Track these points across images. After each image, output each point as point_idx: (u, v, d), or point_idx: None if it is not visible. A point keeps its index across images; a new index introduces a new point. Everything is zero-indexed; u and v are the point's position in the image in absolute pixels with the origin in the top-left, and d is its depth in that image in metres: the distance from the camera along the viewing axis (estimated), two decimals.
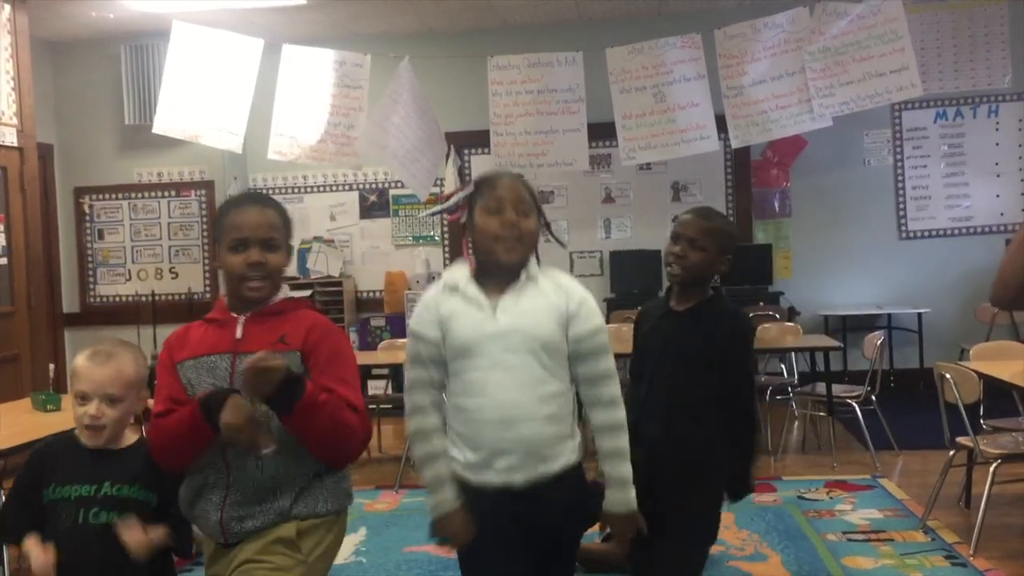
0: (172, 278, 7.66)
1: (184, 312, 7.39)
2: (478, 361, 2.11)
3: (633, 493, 2.16)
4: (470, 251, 2.19)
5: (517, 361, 2.10)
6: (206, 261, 7.62)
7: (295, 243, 2.41)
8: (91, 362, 2.09)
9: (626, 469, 2.15)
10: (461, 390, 2.13)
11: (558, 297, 2.16)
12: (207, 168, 7.57)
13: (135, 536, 2.00)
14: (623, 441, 2.16)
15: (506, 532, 2.13)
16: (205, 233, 7.63)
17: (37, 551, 2.00)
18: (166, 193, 7.67)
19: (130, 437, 2.15)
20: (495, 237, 2.12)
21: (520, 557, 2.16)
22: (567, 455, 2.16)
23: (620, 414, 2.16)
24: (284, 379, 1.91)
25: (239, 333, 2.06)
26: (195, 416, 1.95)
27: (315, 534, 2.05)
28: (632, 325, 3.01)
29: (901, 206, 7.43)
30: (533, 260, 2.19)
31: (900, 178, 7.43)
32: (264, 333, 2.05)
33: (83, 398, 2.07)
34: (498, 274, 2.16)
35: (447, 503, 2.10)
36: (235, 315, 2.10)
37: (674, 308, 2.73)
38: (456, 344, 2.12)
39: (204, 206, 7.62)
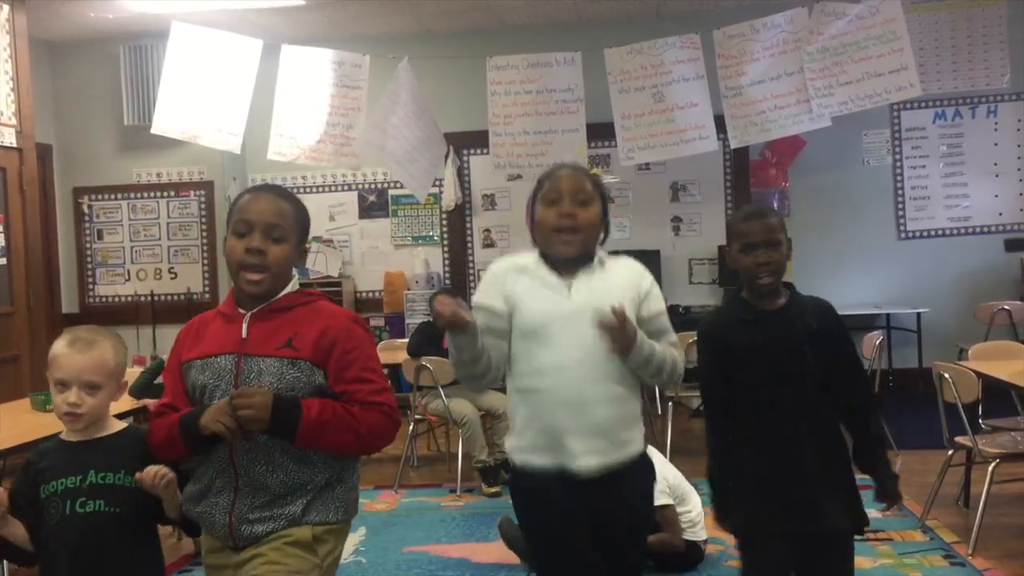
0: (171, 278, 7.66)
1: (183, 312, 7.39)
2: (551, 340, 2.08)
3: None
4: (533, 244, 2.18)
5: (590, 343, 2.07)
6: (205, 261, 7.62)
7: None
8: (70, 349, 2.04)
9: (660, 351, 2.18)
10: (530, 371, 2.11)
11: (631, 277, 2.18)
12: (206, 168, 7.57)
13: (152, 469, 1.97)
14: (669, 365, 2.18)
15: (578, 519, 2.09)
16: (204, 233, 7.63)
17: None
18: (165, 193, 7.67)
19: (113, 425, 2.12)
20: (552, 228, 2.12)
21: (590, 546, 2.11)
22: (637, 442, 2.17)
23: (679, 364, 2.22)
24: (274, 416, 1.87)
25: (244, 332, 2.01)
26: (172, 432, 1.97)
27: (329, 541, 2.02)
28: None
29: (900, 206, 7.44)
30: (600, 249, 2.19)
31: (899, 178, 7.44)
32: (270, 334, 1.99)
33: (62, 385, 2.03)
34: (564, 264, 2.15)
35: (470, 311, 2.06)
36: (241, 311, 2.04)
37: (767, 310, 2.42)
38: (527, 322, 2.10)
39: (203, 206, 7.63)
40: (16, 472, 2.17)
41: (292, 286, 2.07)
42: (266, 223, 1.99)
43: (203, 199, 7.63)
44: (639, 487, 2.18)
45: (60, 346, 2.06)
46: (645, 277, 2.20)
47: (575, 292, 2.11)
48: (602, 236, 2.22)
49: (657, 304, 2.19)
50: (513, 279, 2.14)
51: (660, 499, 3.60)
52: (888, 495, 2.41)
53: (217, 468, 1.99)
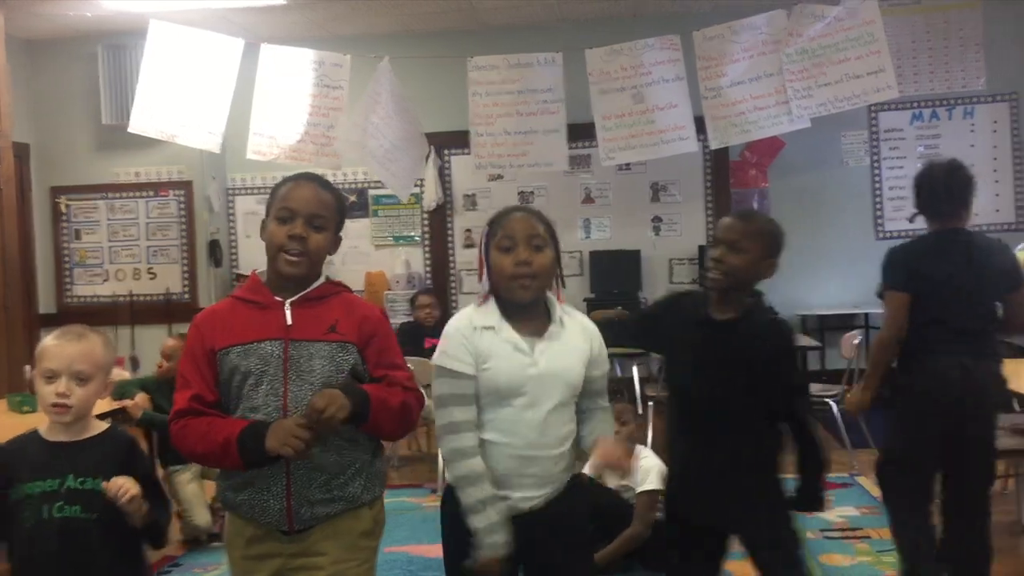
0: (150, 279, 7.60)
1: (162, 313, 7.36)
2: (514, 402, 2.15)
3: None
4: (487, 289, 2.21)
5: (550, 403, 2.17)
6: (185, 262, 7.57)
7: None
8: (60, 340, 2.03)
9: (609, 428, 2.34)
10: (490, 424, 2.17)
11: (584, 339, 2.25)
12: (185, 168, 7.52)
13: (119, 482, 1.94)
14: (610, 428, 2.33)
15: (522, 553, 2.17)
16: (184, 233, 7.59)
17: None
18: (144, 193, 7.62)
19: (96, 426, 2.09)
20: (509, 276, 2.15)
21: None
22: (571, 471, 2.28)
23: (611, 414, 2.36)
24: (352, 407, 1.93)
25: (289, 319, 2.02)
26: (228, 449, 1.94)
27: (380, 515, 2.15)
28: None
29: (878, 206, 7.50)
30: (555, 302, 2.23)
31: (877, 179, 7.50)
32: (313, 320, 2.04)
33: (50, 376, 2.00)
34: (522, 312, 2.19)
35: (500, 546, 2.09)
36: (278, 298, 2.06)
37: (713, 317, 2.46)
38: (495, 384, 2.15)
39: (183, 206, 7.58)
40: None
41: (322, 278, 2.13)
42: (309, 212, 2.04)
43: (182, 199, 7.58)
44: (570, 506, 2.24)
45: (49, 339, 2.06)
46: (596, 339, 2.28)
47: (539, 355, 2.16)
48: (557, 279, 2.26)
49: (604, 366, 2.31)
50: (479, 339, 2.16)
51: (652, 484, 3.75)
52: (802, 505, 2.49)
53: None
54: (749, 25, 6.14)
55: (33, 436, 2.08)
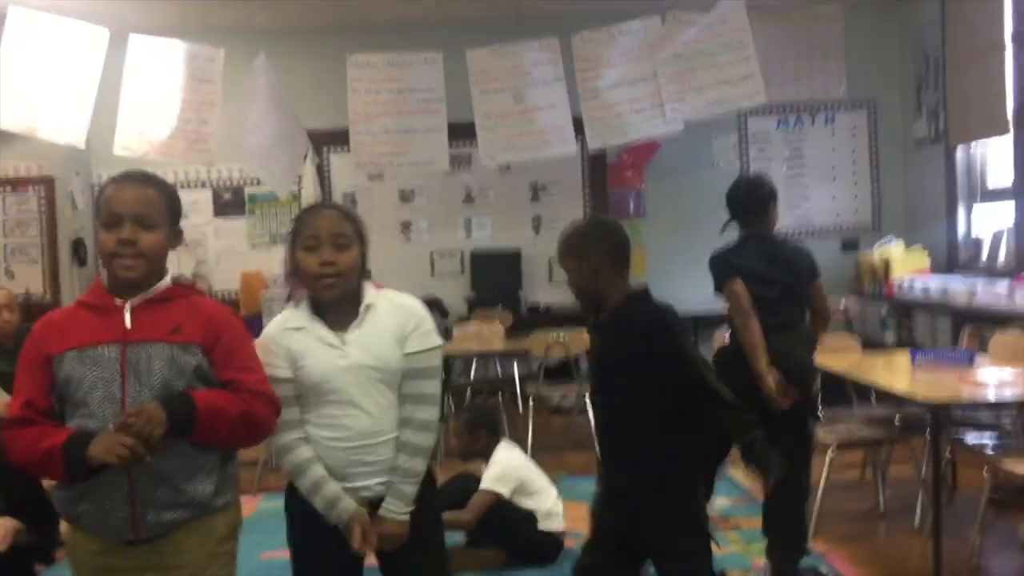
0: (8, 279, 7.20)
1: (22, 314, 6.96)
2: (333, 396, 2.16)
3: (406, 510, 2.21)
4: (298, 288, 2.22)
5: (370, 392, 2.17)
6: (46, 261, 7.20)
7: None
8: (122, 184, 2.03)
9: (410, 489, 2.21)
10: (316, 421, 2.19)
11: (397, 317, 2.22)
12: (46, 163, 7.15)
13: None
14: (420, 465, 2.22)
15: (344, 545, 2.19)
16: (45, 231, 7.21)
17: None
18: (1, 189, 7.21)
19: None
20: (314, 276, 2.17)
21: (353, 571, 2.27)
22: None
23: (428, 440, 2.23)
24: (169, 415, 1.85)
25: (128, 322, 1.94)
26: (52, 457, 1.85)
27: (237, 518, 2.11)
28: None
29: None
30: (368, 287, 2.23)
31: None
32: (155, 322, 1.96)
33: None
34: (334, 307, 2.20)
35: (350, 509, 2.17)
36: (118, 301, 1.98)
37: (600, 319, 2.58)
38: (310, 380, 2.16)
39: (43, 203, 7.20)
40: None
41: (167, 280, 2.04)
42: (134, 213, 1.96)
43: (43, 195, 7.20)
44: (419, 499, 2.25)
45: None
46: (413, 316, 2.25)
47: (349, 346, 2.18)
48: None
49: (423, 342, 2.23)
50: (291, 340, 2.19)
51: (485, 483, 3.91)
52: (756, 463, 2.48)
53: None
54: (626, 30, 6.26)
55: None
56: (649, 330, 2.44)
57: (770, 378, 3.35)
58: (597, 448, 2.65)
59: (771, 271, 3.54)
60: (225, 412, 1.93)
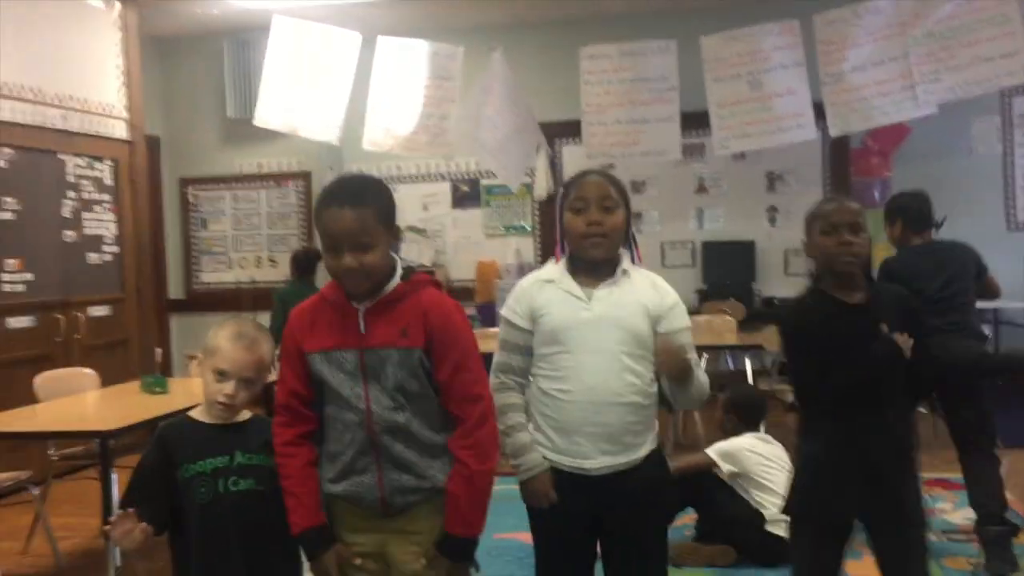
0: (271, 266, 7.89)
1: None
2: (569, 346, 2.22)
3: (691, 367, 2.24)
4: (562, 248, 2.32)
5: (607, 348, 2.21)
6: None
7: None
8: (236, 344, 2.13)
9: (698, 370, 2.27)
10: (550, 374, 2.26)
11: (653, 293, 2.28)
12: (304, 159, 7.76)
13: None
14: (705, 381, 2.30)
15: (579, 516, 2.24)
16: (302, 222, 7.83)
17: (125, 521, 2.01)
18: (265, 184, 7.90)
19: (244, 413, 2.21)
20: (581, 235, 2.25)
21: (588, 541, 2.28)
22: (647, 445, 2.27)
23: (707, 383, 2.30)
24: (452, 558, 2.05)
25: (362, 327, 2.05)
26: (291, 519, 2.07)
27: None
28: (721, 319, 2.96)
29: (1010, 196, 7.13)
30: (626, 256, 2.31)
31: (1010, 167, 7.13)
32: (386, 326, 2.04)
33: (222, 375, 2.12)
34: (592, 270, 2.28)
35: (535, 465, 2.24)
36: (354, 305, 2.07)
37: (848, 302, 2.41)
38: (548, 329, 2.25)
39: (302, 196, 7.82)
40: (125, 451, 2.25)
41: (396, 278, 2.08)
42: (351, 239, 1.99)
43: (301, 189, 7.82)
44: (647, 480, 2.25)
45: (225, 339, 2.14)
46: (668, 295, 2.30)
47: (595, 301, 2.24)
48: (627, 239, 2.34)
49: (677, 322, 2.28)
50: (538, 291, 2.30)
51: (709, 449, 3.92)
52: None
53: (357, 449, 2.05)
54: (873, 8, 5.91)
55: (187, 420, 2.21)
56: (904, 304, 2.45)
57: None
58: (809, 437, 2.47)
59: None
60: (472, 499, 2.04)
